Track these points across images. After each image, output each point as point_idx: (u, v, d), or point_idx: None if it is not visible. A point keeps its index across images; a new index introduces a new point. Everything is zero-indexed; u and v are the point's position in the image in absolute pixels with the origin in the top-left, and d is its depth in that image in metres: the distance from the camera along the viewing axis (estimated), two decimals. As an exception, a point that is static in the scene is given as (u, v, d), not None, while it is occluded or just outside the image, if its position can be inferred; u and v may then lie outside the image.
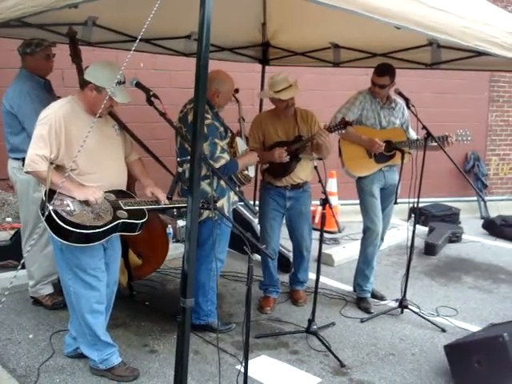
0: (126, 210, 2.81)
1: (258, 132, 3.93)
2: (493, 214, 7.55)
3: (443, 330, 3.80)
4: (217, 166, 3.21)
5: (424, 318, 3.92)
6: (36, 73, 3.61)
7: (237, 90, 3.74)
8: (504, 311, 4.23)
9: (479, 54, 3.25)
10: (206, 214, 3.31)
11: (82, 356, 3.09)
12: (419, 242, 5.79)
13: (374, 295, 4.34)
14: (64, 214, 2.59)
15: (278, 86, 3.68)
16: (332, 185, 6.72)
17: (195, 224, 2.02)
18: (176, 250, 4.96)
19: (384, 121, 4.05)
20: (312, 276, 4.01)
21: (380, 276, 4.76)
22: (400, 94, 3.88)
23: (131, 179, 3.13)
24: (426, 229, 6.47)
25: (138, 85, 2.80)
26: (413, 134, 4.14)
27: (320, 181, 3.47)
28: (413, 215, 4.10)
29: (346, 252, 5.44)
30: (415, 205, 3.86)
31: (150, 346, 3.42)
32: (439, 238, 5.96)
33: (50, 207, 2.52)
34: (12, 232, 4.72)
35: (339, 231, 6.18)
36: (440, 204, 7.39)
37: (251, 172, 3.65)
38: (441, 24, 2.38)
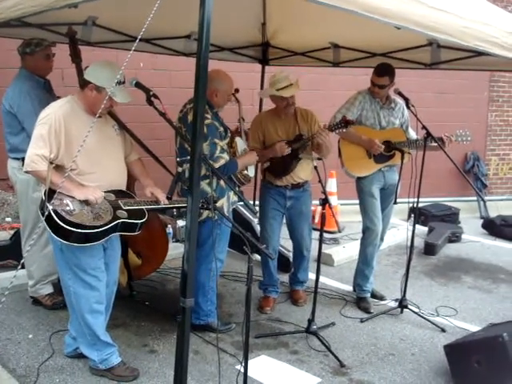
0: (125, 210, 2.81)
1: (259, 132, 3.93)
2: (492, 213, 7.55)
3: (443, 330, 3.81)
4: (216, 165, 3.21)
5: (424, 318, 3.92)
6: (36, 73, 3.61)
7: (237, 90, 3.74)
8: (504, 311, 4.23)
9: (479, 54, 3.25)
10: (205, 213, 3.31)
11: (81, 356, 3.09)
12: (419, 242, 5.79)
13: (374, 295, 4.34)
14: (64, 214, 2.59)
15: (279, 84, 3.68)
16: (332, 185, 6.73)
17: (195, 224, 2.02)
18: (176, 250, 4.96)
19: (384, 121, 4.05)
20: (312, 276, 4.01)
21: (380, 276, 4.76)
22: (400, 94, 3.88)
23: (131, 179, 3.13)
24: (426, 229, 6.48)
25: (138, 85, 2.80)
26: (412, 134, 4.14)
27: (320, 181, 3.47)
28: (412, 215, 4.11)
29: (345, 252, 5.44)
30: (415, 205, 3.86)
31: (150, 345, 3.42)
32: (439, 237, 5.96)
33: (50, 207, 2.52)
34: (12, 232, 4.71)
35: (339, 231, 6.18)
36: (440, 204, 7.39)
37: (251, 172, 3.65)
38: (441, 24, 2.38)
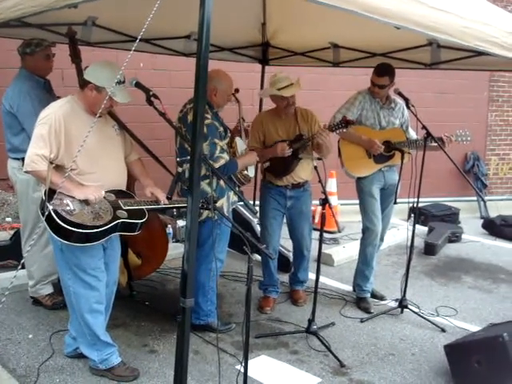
0: (125, 210, 2.81)
1: (259, 132, 3.93)
2: (492, 213, 7.55)
3: (443, 330, 3.81)
4: (216, 165, 3.21)
5: (424, 318, 3.92)
6: (36, 73, 3.61)
7: (237, 90, 3.74)
8: (504, 311, 4.23)
9: (479, 53, 3.25)
10: (205, 213, 3.31)
11: (81, 356, 3.09)
12: (419, 242, 5.79)
13: (374, 295, 4.34)
14: (64, 214, 2.59)
15: (280, 84, 3.68)
16: (332, 185, 6.73)
17: (195, 224, 2.02)
18: (176, 250, 4.96)
19: (383, 121, 4.05)
20: (312, 276, 4.01)
21: (380, 276, 4.76)
22: (400, 94, 3.88)
23: (131, 179, 3.13)
24: (426, 229, 6.48)
25: (138, 85, 2.80)
26: (412, 134, 4.14)
27: (320, 181, 3.47)
28: (412, 215, 4.10)
29: (345, 252, 5.44)
30: (415, 205, 3.86)
31: (150, 345, 3.42)
32: (439, 237, 5.96)
33: (50, 207, 2.52)
34: (12, 232, 4.72)
35: (339, 231, 6.18)
36: (440, 204, 7.39)
37: (251, 172, 3.65)
38: (441, 24, 2.38)
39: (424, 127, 3.73)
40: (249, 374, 2.55)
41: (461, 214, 7.26)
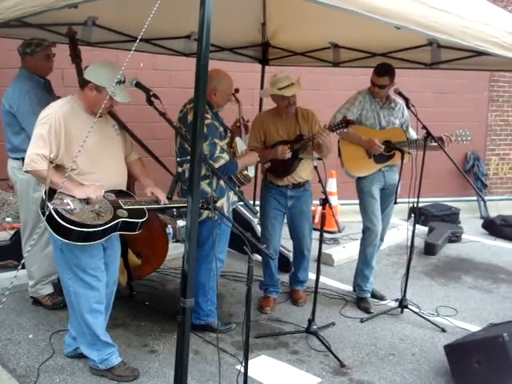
0: (126, 209, 2.81)
1: (260, 132, 3.93)
2: (492, 213, 7.55)
3: (443, 330, 3.80)
4: (216, 166, 3.21)
5: (424, 318, 3.92)
6: (36, 73, 3.61)
7: (237, 90, 3.74)
8: (504, 311, 4.23)
9: (479, 53, 3.25)
10: (205, 213, 3.31)
11: (81, 356, 3.09)
12: (419, 242, 5.79)
13: (374, 295, 4.33)
14: (64, 213, 2.59)
15: (281, 84, 3.68)
16: (332, 185, 6.73)
17: (195, 224, 2.02)
18: (176, 250, 4.96)
19: (384, 121, 4.05)
20: (312, 276, 4.01)
21: (380, 276, 4.76)
22: (400, 94, 3.87)
23: (131, 179, 3.13)
24: (426, 229, 6.48)
25: (138, 85, 2.80)
26: (413, 134, 4.14)
27: (320, 181, 3.47)
28: (413, 215, 4.10)
29: (345, 252, 5.44)
30: (415, 205, 3.86)
31: (150, 345, 3.42)
32: (439, 237, 5.96)
33: (51, 206, 2.52)
34: (12, 232, 4.71)
35: (339, 231, 6.19)
36: (440, 204, 7.39)
37: (251, 172, 3.65)
38: (441, 24, 2.38)
39: (424, 127, 3.73)
40: (249, 373, 2.55)
41: (461, 214, 7.25)
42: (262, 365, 3.25)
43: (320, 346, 3.47)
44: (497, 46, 2.74)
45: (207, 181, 3.26)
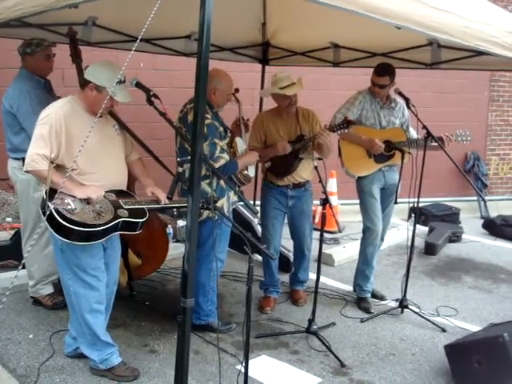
0: (126, 209, 2.81)
1: (260, 132, 3.92)
2: (493, 213, 7.55)
3: (443, 330, 3.80)
4: (216, 165, 3.21)
5: (424, 318, 3.92)
6: (36, 73, 3.61)
7: (237, 90, 3.74)
8: (504, 311, 4.23)
9: (479, 53, 3.25)
10: (205, 213, 3.31)
11: (82, 356, 3.09)
12: (419, 242, 5.79)
13: (374, 295, 4.33)
14: (65, 213, 2.59)
15: (282, 83, 3.68)
16: (332, 185, 6.73)
17: (195, 224, 2.02)
18: (176, 250, 4.95)
19: (384, 121, 4.05)
20: (312, 276, 4.01)
21: (380, 276, 4.76)
22: (400, 94, 3.87)
23: (131, 179, 3.13)
24: (426, 229, 6.48)
25: (138, 85, 2.80)
26: (413, 134, 4.14)
27: (320, 181, 3.48)
28: (413, 215, 4.10)
29: (346, 252, 5.44)
30: (415, 204, 3.86)
31: (150, 345, 3.42)
32: (439, 237, 5.96)
33: (51, 206, 2.52)
34: (12, 232, 4.71)
35: (339, 231, 6.19)
36: (440, 204, 7.38)
37: (251, 172, 3.65)
38: (441, 24, 2.38)
39: (424, 127, 3.72)
40: (249, 373, 2.55)
41: (461, 214, 7.25)
42: (262, 365, 3.25)
43: (320, 346, 3.47)
44: (497, 45, 2.74)
45: (207, 181, 3.26)
